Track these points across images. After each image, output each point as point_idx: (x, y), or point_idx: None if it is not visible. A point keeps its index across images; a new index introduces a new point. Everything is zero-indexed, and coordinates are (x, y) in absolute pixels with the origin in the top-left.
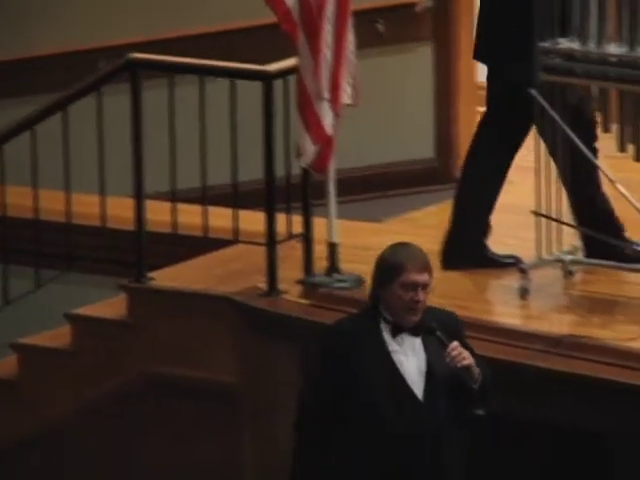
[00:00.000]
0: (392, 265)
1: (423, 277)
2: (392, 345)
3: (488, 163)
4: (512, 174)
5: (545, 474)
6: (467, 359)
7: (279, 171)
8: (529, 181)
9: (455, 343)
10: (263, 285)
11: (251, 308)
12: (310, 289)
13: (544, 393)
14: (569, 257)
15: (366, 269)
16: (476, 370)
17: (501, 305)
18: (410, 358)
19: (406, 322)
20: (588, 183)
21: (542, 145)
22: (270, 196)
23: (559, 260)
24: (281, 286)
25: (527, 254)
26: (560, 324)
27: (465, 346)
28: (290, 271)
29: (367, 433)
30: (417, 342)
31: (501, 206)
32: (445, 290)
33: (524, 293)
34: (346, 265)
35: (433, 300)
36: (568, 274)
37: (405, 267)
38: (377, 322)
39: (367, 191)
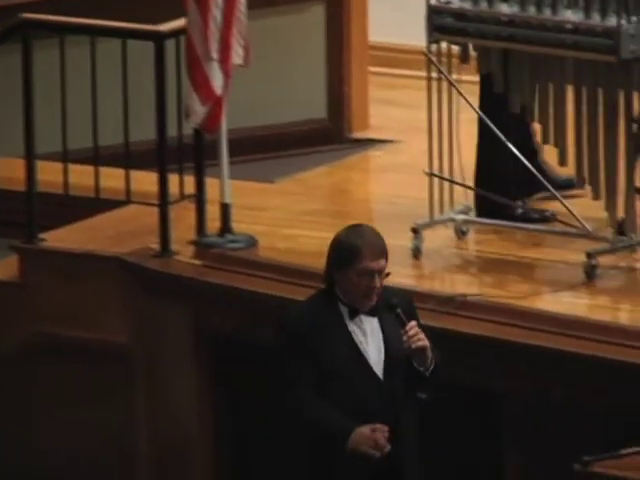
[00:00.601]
0: (348, 251)
1: (379, 264)
2: (351, 326)
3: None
4: (404, 135)
5: (435, 431)
6: (423, 340)
7: (171, 131)
8: (421, 141)
9: (413, 323)
10: (155, 246)
11: (143, 269)
12: (203, 250)
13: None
14: (461, 217)
15: (259, 229)
16: (430, 354)
17: (394, 265)
18: (369, 338)
19: (362, 307)
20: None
21: (435, 105)
22: (162, 157)
23: (451, 220)
24: (173, 247)
25: (420, 214)
26: (452, 284)
27: (421, 328)
28: (183, 232)
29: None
30: (375, 322)
31: (393, 166)
32: None
33: (417, 253)
34: (238, 225)
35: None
36: (461, 234)
37: (361, 254)
38: (336, 303)
39: (259, 151)
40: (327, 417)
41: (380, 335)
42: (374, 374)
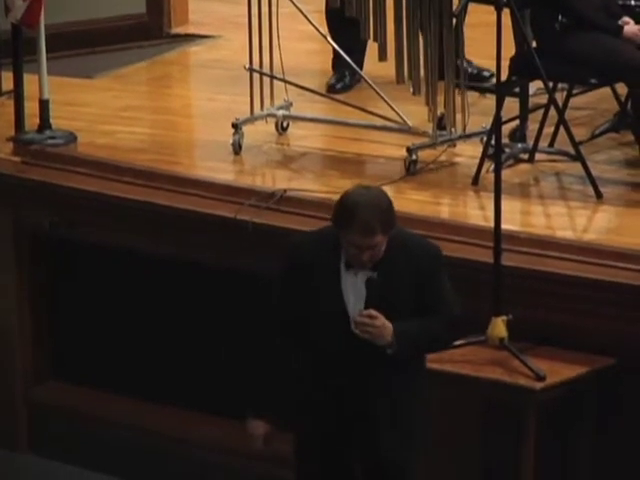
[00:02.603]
0: (342, 215)
1: (364, 240)
2: (343, 271)
3: None
4: (224, 30)
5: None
6: (369, 333)
7: None
8: (241, 37)
9: (369, 312)
10: None
11: None
12: (22, 146)
13: (256, 247)
14: (282, 112)
15: (77, 125)
16: (385, 343)
17: (214, 161)
18: (354, 288)
19: (356, 265)
20: None
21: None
22: None
23: (272, 115)
24: None
25: (240, 110)
26: (273, 179)
27: (435, 284)
28: (1, 129)
29: (310, 351)
30: (369, 274)
31: (213, 62)
32: (154, 146)
33: (237, 148)
34: (58, 121)
35: None
36: (281, 129)
37: (351, 226)
38: (339, 246)
39: (78, 47)
40: (271, 386)
41: (363, 291)
42: (347, 324)
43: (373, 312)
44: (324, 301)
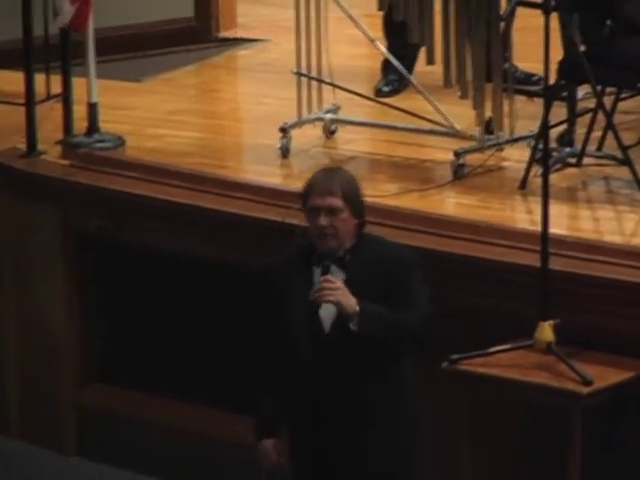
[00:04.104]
0: (304, 190)
1: (323, 201)
2: (316, 274)
3: None
4: (272, 34)
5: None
6: (333, 295)
7: (38, 30)
8: (289, 41)
9: (327, 277)
10: (22, 146)
11: (10, 169)
12: (70, 149)
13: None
14: (329, 116)
15: (125, 129)
16: (349, 309)
17: (262, 165)
18: None
19: (321, 249)
20: None
21: (302, 3)
22: (28, 56)
23: (319, 119)
24: (41, 147)
25: (288, 114)
26: None
27: (406, 289)
28: (50, 132)
29: (287, 357)
30: (341, 275)
31: (261, 66)
32: (202, 150)
33: (285, 152)
34: (106, 125)
35: None
36: (329, 133)
37: (308, 192)
38: (308, 258)
39: (126, 50)
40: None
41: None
42: (320, 326)
43: (329, 277)
44: (297, 309)
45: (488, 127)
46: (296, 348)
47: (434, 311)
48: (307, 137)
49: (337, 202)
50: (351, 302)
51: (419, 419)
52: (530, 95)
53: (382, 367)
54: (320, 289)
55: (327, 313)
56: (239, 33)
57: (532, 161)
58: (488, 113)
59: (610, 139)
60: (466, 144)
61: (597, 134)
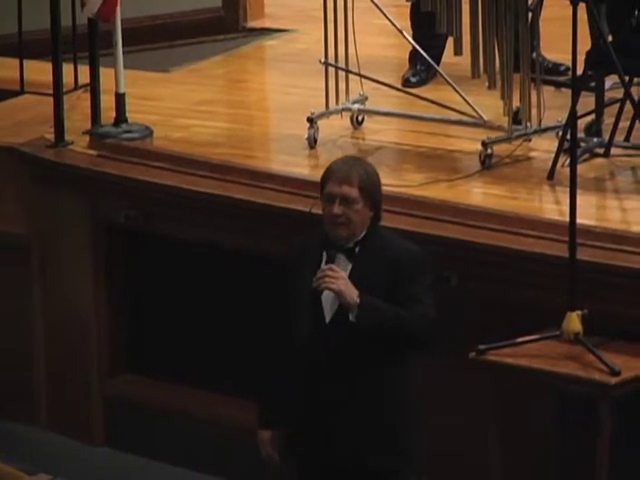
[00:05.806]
0: (322, 176)
1: (340, 189)
2: (324, 263)
3: None
4: (299, 24)
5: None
6: (333, 284)
7: (65, 20)
8: (317, 31)
9: (329, 266)
10: (50, 136)
11: (38, 159)
12: (98, 139)
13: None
14: (357, 106)
15: (153, 119)
16: (349, 300)
17: (289, 155)
18: None
19: (332, 237)
20: None
21: None
22: (56, 46)
23: (347, 109)
24: (68, 137)
25: (316, 104)
26: None
27: (412, 286)
28: (78, 122)
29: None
30: (348, 267)
31: (289, 56)
32: (230, 140)
33: (312, 142)
34: (133, 115)
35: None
36: (356, 123)
37: (327, 178)
38: (322, 242)
39: (154, 41)
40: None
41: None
42: (321, 314)
43: (333, 266)
44: (303, 293)
45: (516, 117)
46: (295, 332)
47: (436, 316)
48: (334, 127)
49: (353, 192)
50: (352, 293)
51: (415, 413)
52: (558, 85)
53: (379, 361)
54: (322, 276)
55: (330, 303)
56: (267, 23)
57: (560, 151)
58: (516, 103)
59: (638, 129)
60: (494, 134)
61: (625, 124)
